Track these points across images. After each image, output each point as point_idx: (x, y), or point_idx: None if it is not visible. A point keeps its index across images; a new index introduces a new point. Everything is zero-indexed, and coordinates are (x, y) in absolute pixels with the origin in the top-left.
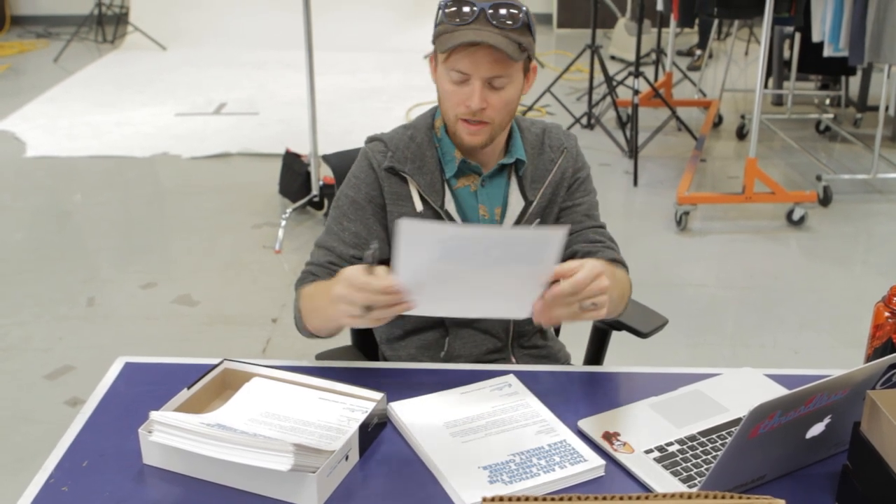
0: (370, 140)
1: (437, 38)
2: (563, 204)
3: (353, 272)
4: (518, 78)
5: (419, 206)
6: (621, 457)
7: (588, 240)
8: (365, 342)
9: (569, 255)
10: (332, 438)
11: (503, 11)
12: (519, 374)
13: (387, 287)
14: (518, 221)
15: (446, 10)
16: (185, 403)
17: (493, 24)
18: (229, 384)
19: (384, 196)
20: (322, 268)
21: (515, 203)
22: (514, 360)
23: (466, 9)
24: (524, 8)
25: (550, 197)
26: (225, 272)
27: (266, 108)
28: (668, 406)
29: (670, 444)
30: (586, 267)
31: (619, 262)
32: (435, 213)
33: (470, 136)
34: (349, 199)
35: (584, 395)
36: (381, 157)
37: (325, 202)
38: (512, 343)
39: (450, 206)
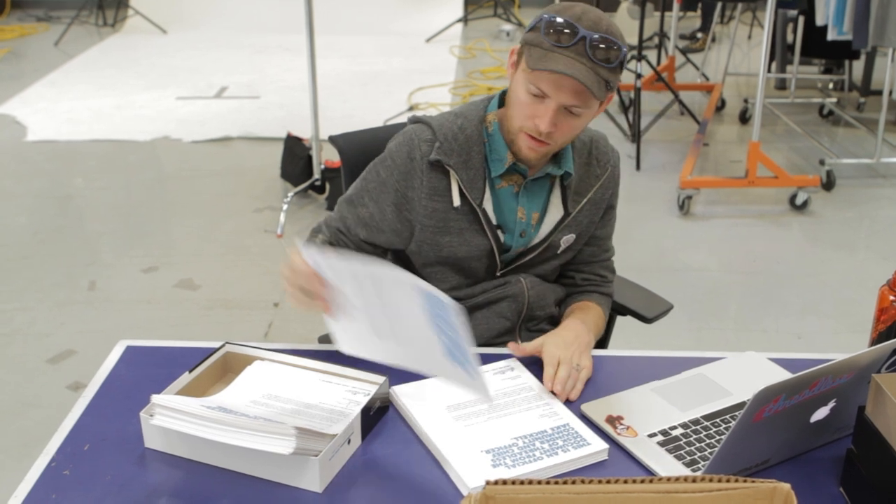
0: (415, 121)
1: (529, 48)
2: (594, 232)
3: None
4: (594, 108)
5: (457, 201)
6: (625, 440)
7: (593, 272)
8: None
9: (569, 280)
10: (335, 422)
11: (604, 47)
12: (522, 358)
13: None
14: (554, 230)
15: (548, 26)
16: (187, 387)
17: (589, 57)
18: (231, 368)
19: (419, 190)
20: (330, 230)
21: (555, 212)
22: (519, 342)
23: (569, 32)
24: (624, 49)
25: (588, 216)
26: (226, 256)
27: (267, 92)
28: (672, 390)
29: (674, 427)
30: (561, 368)
31: (604, 294)
32: (472, 209)
33: (528, 150)
34: (379, 179)
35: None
36: (427, 148)
37: (327, 186)
38: (521, 326)
39: (487, 204)
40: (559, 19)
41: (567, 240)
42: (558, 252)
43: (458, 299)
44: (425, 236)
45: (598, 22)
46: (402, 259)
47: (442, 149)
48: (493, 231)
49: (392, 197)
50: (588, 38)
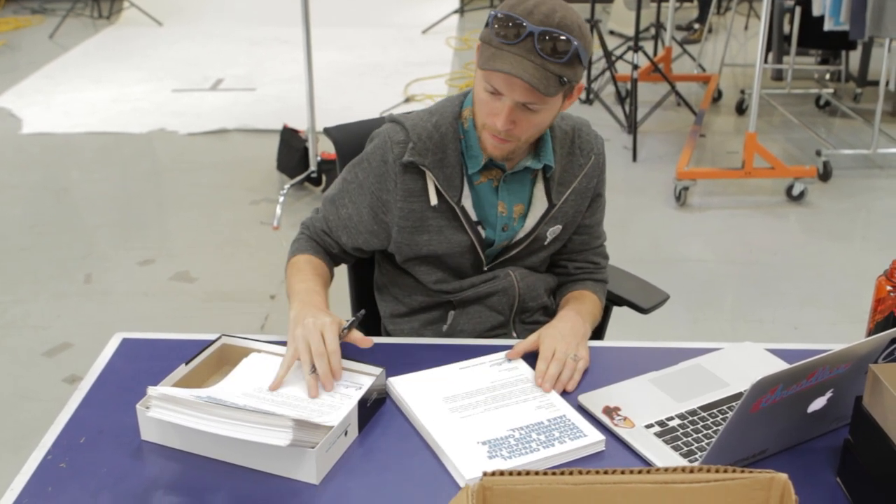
0: (392, 120)
1: (483, 46)
2: (583, 221)
3: (316, 334)
4: (554, 104)
5: (434, 201)
6: (622, 431)
7: (585, 260)
8: (366, 317)
9: (562, 269)
10: (331, 413)
11: (551, 42)
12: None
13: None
14: (539, 223)
15: (495, 23)
16: (183, 379)
17: (537, 53)
18: (227, 360)
19: (394, 192)
20: (318, 234)
21: (539, 204)
22: (514, 335)
23: (515, 29)
24: (575, 42)
25: (574, 206)
26: (223, 249)
27: (263, 84)
28: (669, 381)
29: (671, 418)
30: (552, 364)
31: (598, 280)
32: (450, 207)
33: (493, 148)
34: (357, 181)
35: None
36: (400, 150)
37: (323, 178)
38: (514, 318)
39: (466, 202)
40: (506, 15)
41: (553, 231)
42: (545, 244)
43: (445, 293)
44: (403, 237)
45: (550, 15)
46: (386, 255)
47: (415, 149)
48: (473, 227)
49: (368, 199)
50: (535, 33)
